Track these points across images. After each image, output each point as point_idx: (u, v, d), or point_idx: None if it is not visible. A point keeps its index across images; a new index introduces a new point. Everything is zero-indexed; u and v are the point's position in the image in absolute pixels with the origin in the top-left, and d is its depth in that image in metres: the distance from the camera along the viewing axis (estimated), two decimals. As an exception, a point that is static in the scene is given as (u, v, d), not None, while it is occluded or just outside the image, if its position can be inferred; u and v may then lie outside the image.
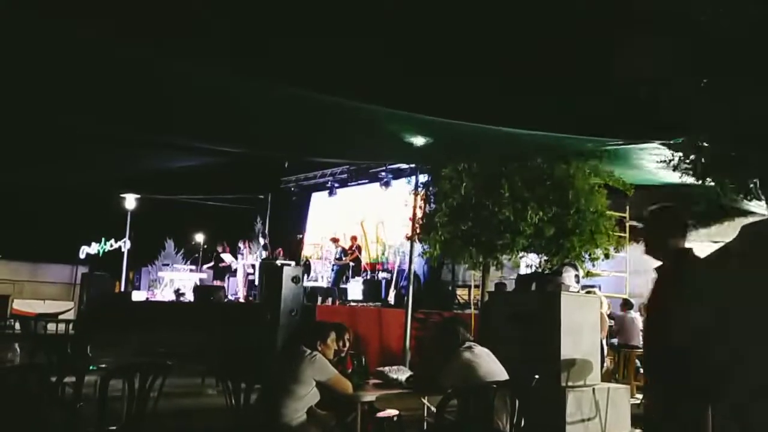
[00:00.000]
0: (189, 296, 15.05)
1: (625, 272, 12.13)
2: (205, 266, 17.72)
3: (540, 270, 9.66)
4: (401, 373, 5.04)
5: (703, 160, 7.49)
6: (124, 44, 5.61)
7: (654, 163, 9.35)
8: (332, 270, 15.35)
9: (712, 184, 7.83)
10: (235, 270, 16.12)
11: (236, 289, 15.81)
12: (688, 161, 8.03)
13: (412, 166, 13.25)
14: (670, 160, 8.50)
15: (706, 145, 7.35)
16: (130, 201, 18.85)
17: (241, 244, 16.06)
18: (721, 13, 5.09)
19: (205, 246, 18.65)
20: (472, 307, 11.89)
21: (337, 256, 15.26)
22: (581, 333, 6.36)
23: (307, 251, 18.24)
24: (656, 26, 5.68)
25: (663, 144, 8.03)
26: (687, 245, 2.90)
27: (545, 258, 9.77)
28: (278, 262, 12.22)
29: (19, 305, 19.06)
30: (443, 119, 7.43)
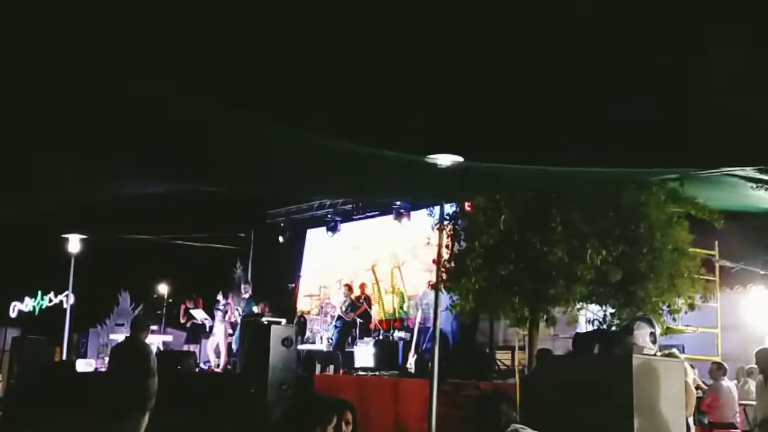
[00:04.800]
0: (150, 365, 15.01)
1: (717, 327, 11.99)
2: (170, 326, 17.74)
3: (605, 327, 9.62)
4: (425, 466, 5.05)
5: None
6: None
7: (749, 185, 9.32)
8: (334, 328, 15.32)
9: None
10: (210, 329, 16.08)
11: (216, 354, 15.71)
12: None
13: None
14: None
15: None
16: (75, 243, 18.84)
17: (221, 298, 15.93)
18: None
19: (171, 300, 18.70)
20: (517, 375, 11.82)
21: (345, 308, 15.18)
22: (660, 410, 6.36)
23: (302, 305, 18.23)
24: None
25: (761, 170, 8.03)
26: None
27: (611, 311, 9.73)
28: (264, 320, 12.24)
29: (-69, 379, 19.14)
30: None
